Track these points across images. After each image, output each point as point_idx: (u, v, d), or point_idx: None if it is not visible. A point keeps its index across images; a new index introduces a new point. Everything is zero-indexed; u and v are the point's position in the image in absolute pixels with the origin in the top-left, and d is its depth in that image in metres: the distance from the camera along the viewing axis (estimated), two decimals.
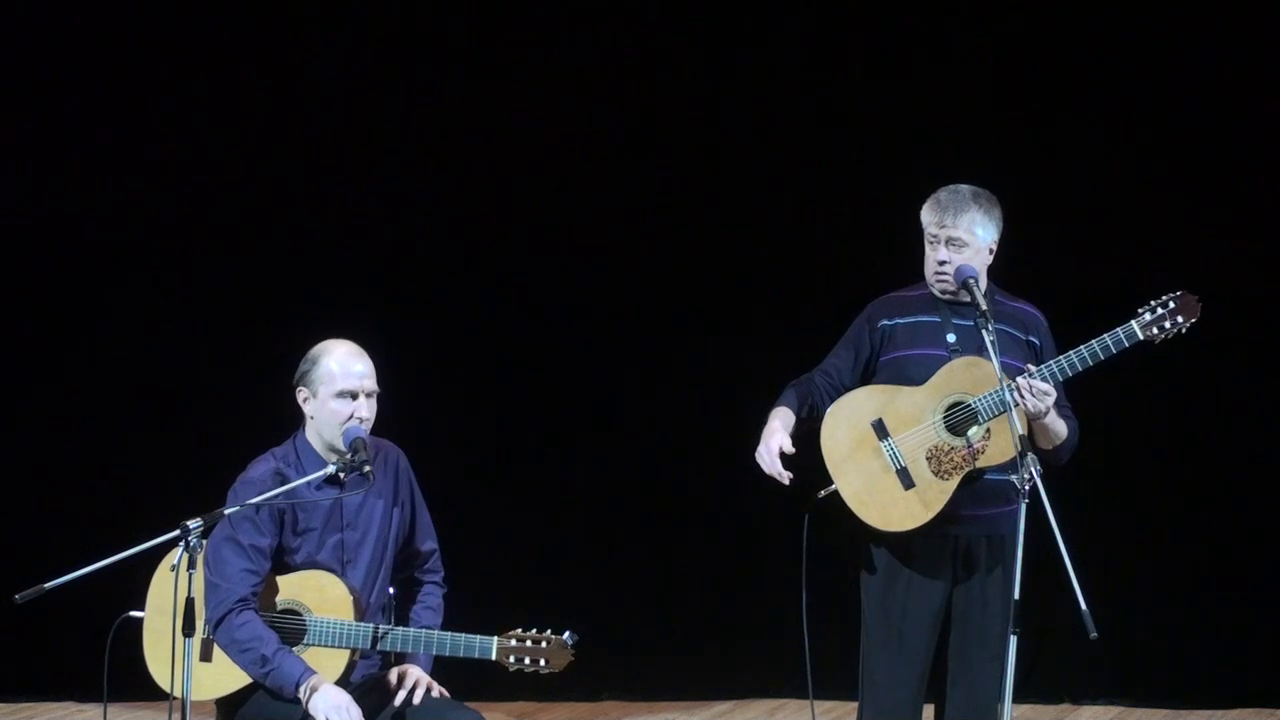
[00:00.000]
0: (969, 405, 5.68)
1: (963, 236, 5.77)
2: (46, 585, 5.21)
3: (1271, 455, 8.67)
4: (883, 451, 5.72)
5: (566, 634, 5.61)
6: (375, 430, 5.78)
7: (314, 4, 8.89)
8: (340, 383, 5.66)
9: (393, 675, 5.72)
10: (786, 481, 5.74)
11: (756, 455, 5.77)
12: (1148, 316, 5.70)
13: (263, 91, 8.83)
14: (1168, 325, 5.69)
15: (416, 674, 5.70)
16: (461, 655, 5.61)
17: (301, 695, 5.54)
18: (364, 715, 5.58)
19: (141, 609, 5.68)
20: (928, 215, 5.82)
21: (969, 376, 5.70)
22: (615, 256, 8.90)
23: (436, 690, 5.71)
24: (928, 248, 5.84)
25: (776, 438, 5.74)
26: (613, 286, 8.92)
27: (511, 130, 8.90)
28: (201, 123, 8.83)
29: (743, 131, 8.91)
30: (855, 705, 5.96)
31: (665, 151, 8.93)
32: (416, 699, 5.65)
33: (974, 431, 5.69)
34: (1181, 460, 8.75)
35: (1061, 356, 5.69)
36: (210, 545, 5.57)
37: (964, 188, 5.82)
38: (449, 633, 5.63)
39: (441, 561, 5.94)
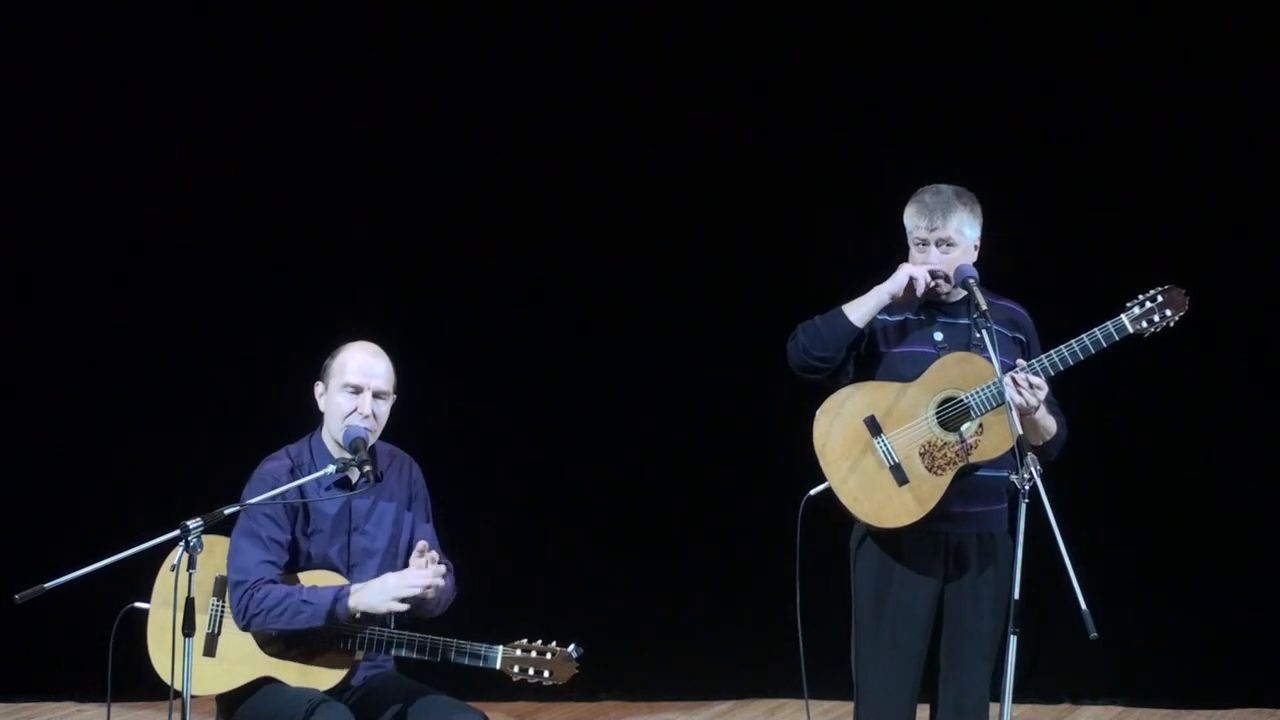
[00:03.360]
0: (961, 400, 5.67)
1: (953, 236, 5.75)
2: (46, 585, 5.22)
3: (1271, 454, 8.67)
4: (876, 448, 5.70)
5: (571, 647, 5.60)
6: (388, 438, 5.80)
7: (321, 7, 8.92)
8: (347, 376, 5.67)
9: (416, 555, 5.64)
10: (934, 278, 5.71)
11: (909, 269, 5.72)
12: (1136, 310, 5.70)
13: (275, 93, 8.87)
14: (1156, 319, 5.69)
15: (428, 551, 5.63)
16: (466, 664, 5.60)
17: (353, 606, 5.51)
18: (364, 715, 5.58)
19: (146, 599, 5.68)
20: (915, 219, 5.78)
21: (960, 372, 5.70)
22: (616, 267, 8.93)
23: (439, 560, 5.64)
24: (915, 250, 5.80)
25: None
26: (611, 294, 8.95)
27: (514, 141, 8.94)
28: (210, 122, 8.86)
29: (738, 134, 8.95)
30: (853, 705, 5.91)
31: (668, 162, 8.96)
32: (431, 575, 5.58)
33: (967, 427, 5.67)
34: (1180, 459, 8.75)
35: (1052, 351, 5.67)
36: (231, 542, 5.60)
37: (944, 188, 5.79)
38: (454, 640, 5.61)
39: None
